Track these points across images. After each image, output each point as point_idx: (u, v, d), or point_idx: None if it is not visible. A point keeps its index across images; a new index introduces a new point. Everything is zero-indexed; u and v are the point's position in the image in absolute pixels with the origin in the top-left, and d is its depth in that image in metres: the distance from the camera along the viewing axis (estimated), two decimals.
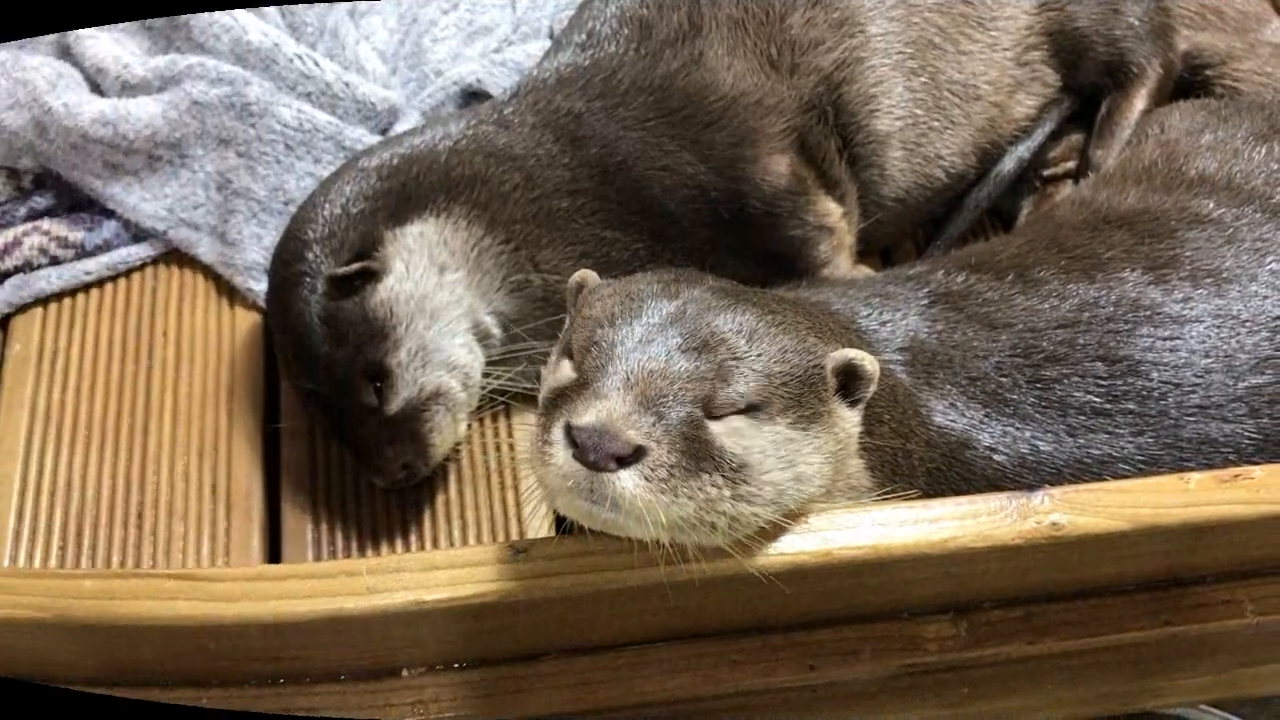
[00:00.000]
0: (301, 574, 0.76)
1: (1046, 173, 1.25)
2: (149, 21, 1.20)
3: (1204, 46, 1.26)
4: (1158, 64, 1.20)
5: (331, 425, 1.04)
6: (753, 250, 1.08)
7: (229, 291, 1.18)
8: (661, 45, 1.09)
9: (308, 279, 1.00)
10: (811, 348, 0.80)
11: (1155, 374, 0.92)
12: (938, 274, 1.00)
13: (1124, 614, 0.88)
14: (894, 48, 1.11)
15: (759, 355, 0.77)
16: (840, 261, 1.10)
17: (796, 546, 0.77)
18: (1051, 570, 0.84)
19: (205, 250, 1.17)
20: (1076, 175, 1.23)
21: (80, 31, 1.19)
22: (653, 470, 0.72)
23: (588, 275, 0.85)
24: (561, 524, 1.02)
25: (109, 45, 1.19)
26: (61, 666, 0.80)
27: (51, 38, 1.21)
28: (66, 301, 1.17)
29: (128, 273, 1.19)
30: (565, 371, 0.78)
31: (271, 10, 1.20)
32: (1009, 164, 1.21)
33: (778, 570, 0.77)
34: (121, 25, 1.20)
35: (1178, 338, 0.93)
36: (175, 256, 1.20)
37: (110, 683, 0.81)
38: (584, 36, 1.12)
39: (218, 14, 1.16)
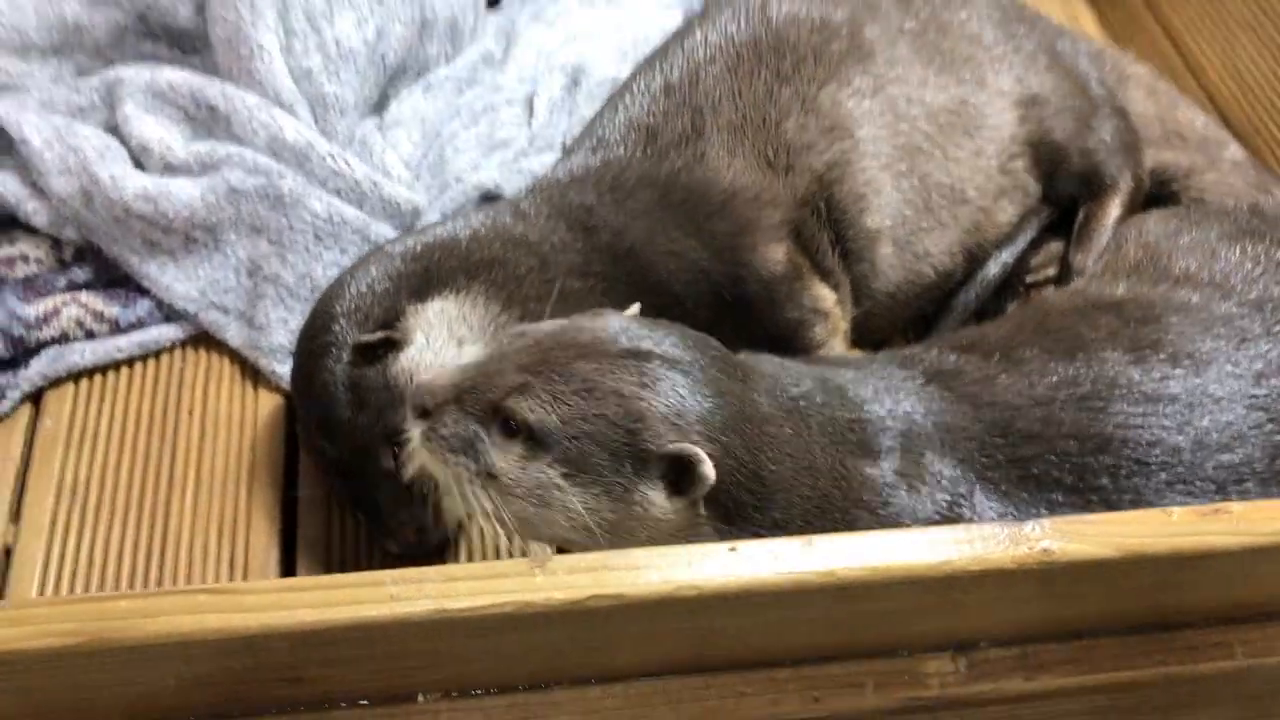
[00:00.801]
0: (326, 584, 0.78)
1: (1029, 279, 1.33)
2: (191, 112, 1.29)
3: (1169, 163, 1.36)
4: (1129, 175, 1.30)
5: (349, 491, 1.08)
6: (752, 332, 1.14)
7: (253, 374, 1.24)
8: (666, 147, 1.18)
9: (334, 349, 1.06)
10: (640, 429, 0.86)
11: (1125, 451, 0.97)
12: (932, 354, 1.06)
13: (1118, 654, 0.91)
14: (883, 151, 1.20)
15: (564, 402, 0.87)
16: (835, 344, 1.17)
17: (801, 566, 0.81)
18: (1046, 605, 0.88)
19: (233, 334, 1.24)
20: (1057, 281, 1.31)
21: (129, 112, 1.27)
22: (433, 430, 0.89)
23: None
24: None
25: (154, 127, 1.28)
26: (89, 713, 0.82)
27: (103, 115, 1.30)
28: (98, 378, 1.23)
29: (158, 353, 1.25)
30: None
31: (305, 113, 1.30)
32: (994, 267, 1.29)
33: (783, 588, 0.80)
34: (166, 112, 1.29)
35: (1150, 414, 0.99)
36: (204, 339, 1.26)
37: None
38: (594, 142, 1.22)
39: (257, 112, 1.26)
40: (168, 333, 1.25)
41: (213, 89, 1.28)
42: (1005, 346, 1.05)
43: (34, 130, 1.24)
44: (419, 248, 1.12)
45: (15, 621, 0.75)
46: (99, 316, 1.23)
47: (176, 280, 1.24)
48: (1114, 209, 1.29)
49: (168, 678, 0.79)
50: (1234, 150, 1.41)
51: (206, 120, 1.29)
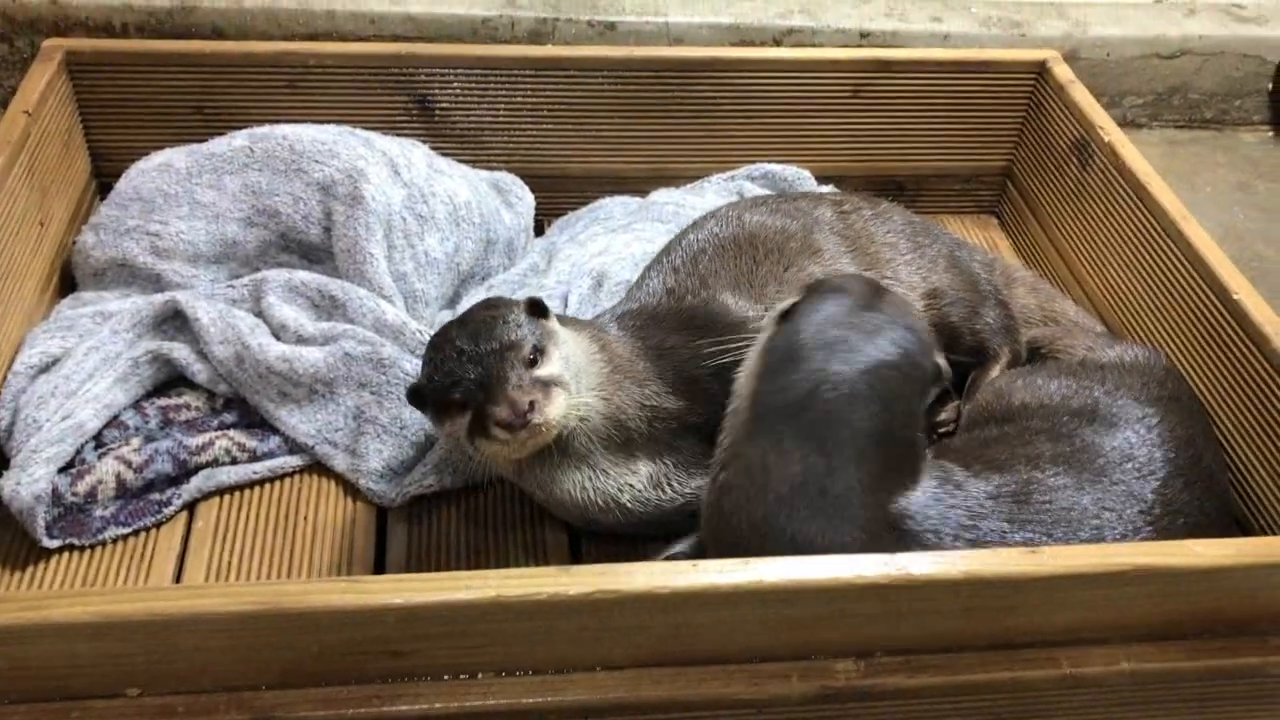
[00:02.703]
0: (422, 578, 1.15)
1: (941, 430, 1.73)
2: (317, 301, 1.73)
3: (1039, 337, 1.78)
4: (1007, 350, 1.72)
5: (482, 393, 1.38)
6: None
7: (353, 491, 1.63)
8: (684, 294, 1.61)
9: (514, 307, 1.44)
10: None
11: (1045, 516, 1.36)
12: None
13: (976, 663, 1.26)
14: None
15: None
16: None
17: (740, 578, 1.18)
18: (921, 621, 1.23)
19: (339, 462, 1.64)
20: (955, 426, 1.71)
21: (271, 301, 1.71)
22: None
23: None
24: None
25: (290, 311, 1.71)
26: (247, 675, 1.18)
27: (250, 304, 1.73)
28: (238, 493, 1.62)
29: (283, 475, 1.65)
30: None
31: (400, 303, 1.75)
32: None
33: (724, 591, 1.17)
34: (299, 301, 1.73)
35: (1055, 494, 1.38)
36: (317, 466, 1.66)
37: (283, 685, 1.18)
38: (633, 302, 1.64)
39: (366, 301, 1.70)
40: (291, 461, 1.65)
41: (334, 285, 1.74)
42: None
43: (204, 312, 1.68)
44: None
45: (221, 594, 1.13)
46: (241, 448, 1.65)
47: (300, 422, 1.66)
48: (994, 373, 1.70)
49: (312, 645, 1.16)
50: (1098, 329, 1.83)
51: (328, 307, 1.73)
